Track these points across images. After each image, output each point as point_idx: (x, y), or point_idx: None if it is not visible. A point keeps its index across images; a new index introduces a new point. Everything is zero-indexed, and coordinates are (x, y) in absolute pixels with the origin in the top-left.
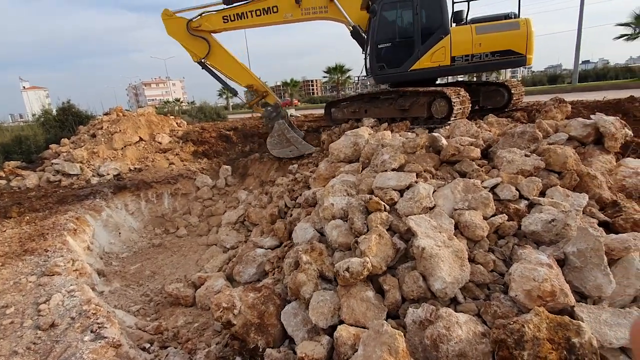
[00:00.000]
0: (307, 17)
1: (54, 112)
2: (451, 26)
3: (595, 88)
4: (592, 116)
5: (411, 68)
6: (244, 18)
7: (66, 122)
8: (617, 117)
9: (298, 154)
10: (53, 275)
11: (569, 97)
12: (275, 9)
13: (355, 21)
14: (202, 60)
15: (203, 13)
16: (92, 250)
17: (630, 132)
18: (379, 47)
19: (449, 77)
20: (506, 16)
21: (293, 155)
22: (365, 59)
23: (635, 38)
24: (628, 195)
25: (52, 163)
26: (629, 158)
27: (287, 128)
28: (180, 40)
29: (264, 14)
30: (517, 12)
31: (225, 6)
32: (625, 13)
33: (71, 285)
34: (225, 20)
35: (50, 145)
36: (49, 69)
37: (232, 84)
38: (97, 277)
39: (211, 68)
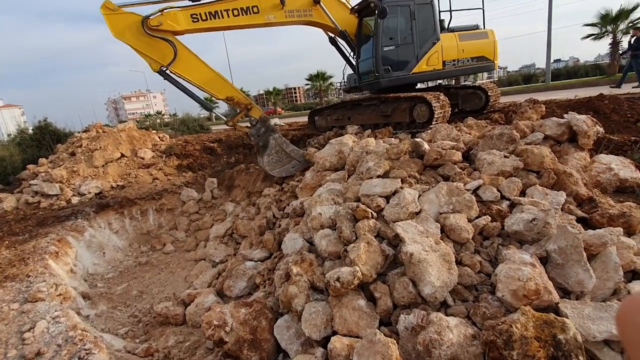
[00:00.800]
0: (290, 20)
1: (31, 131)
2: None
3: (568, 86)
4: (565, 115)
5: (413, 71)
6: (218, 17)
7: (43, 141)
8: (589, 115)
9: (302, 168)
10: (36, 301)
11: (543, 97)
12: (255, 9)
13: (342, 26)
14: (164, 69)
15: (165, 9)
16: (75, 273)
17: (601, 129)
18: (384, 49)
19: (429, 82)
20: (475, 27)
21: (296, 170)
22: (357, 64)
23: (601, 37)
24: (603, 190)
25: (30, 184)
26: (601, 154)
27: (285, 141)
28: (133, 43)
29: (242, 14)
30: (480, 24)
31: (191, 2)
32: (591, 13)
33: (56, 311)
34: (195, 20)
35: (27, 166)
36: (22, 86)
37: (203, 95)
38: (82, 301)
39: (177, 78)
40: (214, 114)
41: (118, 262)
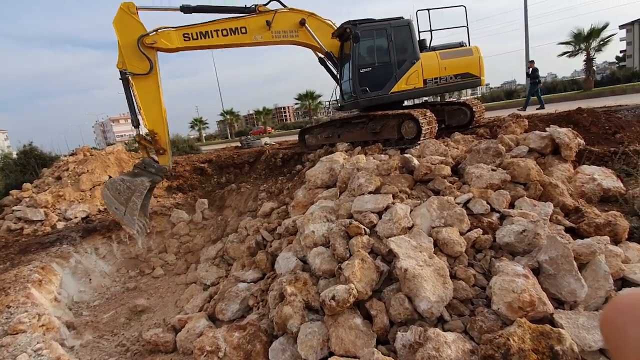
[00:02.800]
0: (277, 41)
1: (15, 156)
2: None
3: (547, 101)
4: (547, 128)
5: (391, 91)
6: (209, 37)
7: (28, 165)
8: (569, 128)
9: (118, 218)
10: (17, 333)
11: (525, 112)
12: (243, 30)
13: (328, 47)
14: (126, 73)
15: (159, 28)
16: (59, 302)
17: (582, 141)
18: (361, 72)
19: (416, 99)
20: (459, 44)
21: (114, 214)
22: (341, 85)
23: (576, 54)
24: (588, 200)
25: (13, 210)
26: (584, 165)
27: (142, 193)
28: (122, 42)
29: (231, 34)
30: (466, 41)
31: (186, 24)
32: (565, 32)
33: (38, 343)
34: (187, 38)
35: (10, 191)
36: (5, 111)
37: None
38: (66, 331)
39: (131, 88)
40: (205, 133)
41: (105, 289)
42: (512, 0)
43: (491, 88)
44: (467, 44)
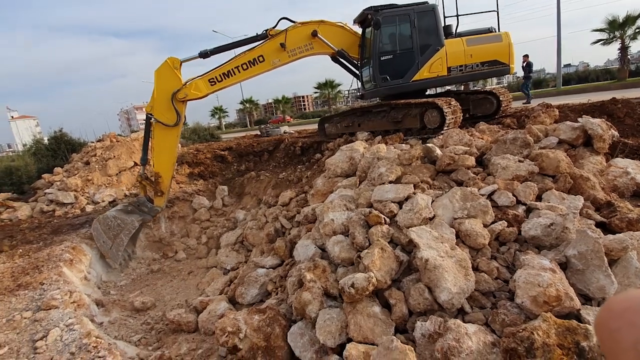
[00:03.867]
0: (294, 58)
1: (46, 141)
2: None
3: (579, 91)
4: (579, 119)
5: (413, 79)
6: (231, 75)
7: (58, 150)
8: (603, 119)
9: (102, 250)
10: (50, 309)
11: (555, 101)
12: (261, 59)
13: (338, 46)
14: (151, 117)
15: (187, 82)
16: (89, 280)
17: (616, 133)
18: (382, 59)
19: (438, 88)
20: (488, 30)
21: (100, 248)
22: (361, 73)
23: (610, 42)
24: (620, 194)
25: (45, 193)
26: (617, 158)
27: (130, 231)
28: (160, 97)
29: (250, 66)
30: (495, 27)
31: (210, 70)
32: (598, 19)
33: (69, 318)
34: (212, 83)
35: (42, 175)
36: (36, 98)
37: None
38: (95, 308)
39: (152, 130)
40: (224, 121)
41: (131, 270)
42: None
43: (518, 77)
44: (497, 30)
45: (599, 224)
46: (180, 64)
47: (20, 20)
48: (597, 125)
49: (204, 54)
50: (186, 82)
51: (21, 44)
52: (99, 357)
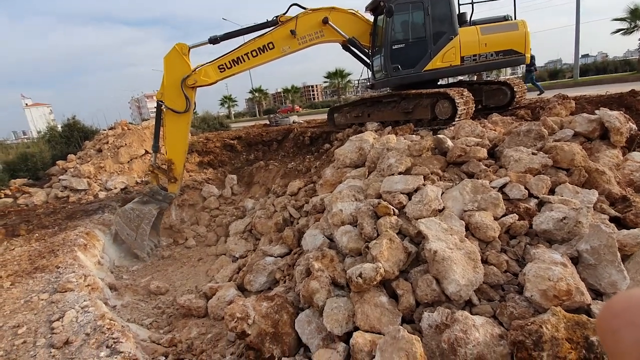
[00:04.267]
0: (304, 46)
1: (60, 129)
2: None
3: (597, 82)
4: (596, 111)
5: (425, 68)
6: (241, 62)
7: (72, 137)
8: (621, 112)
9: (128, 243)
10: (65, 291)
11: (572, 93)
12: (271, 45)
13: (349, 34)
14: (162, 104)
15: (197, 68)
16: (102, 265)
17: (634, 126)
18: (393, 48)
19: (450, 78)
20: (504, 18)
21: (125, 240)
22: (372, 62)
23: (631, 32)
24: (637, 189)
25: (60, 179)
26: (635, 152)
27: (150, 220)
28: (169, 84)
29: (260, 53)
30: (512, 15)
31: (219, 56)
32: (620, 8)
33: (84, 300)
34: (222, 69)
35: (56, 162)
36: (49, 86)
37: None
38: (109, 292)
39: (163, 117)
40: (234, 110)
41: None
42: None
43: None
44: (513, 18)
45: (613, 219)
46: (189, 50)
47: (32, 7)
48: (615, 117)
49: (214, 40)
50: (195, 69)
51: (34, 33)
52: (113, 338)
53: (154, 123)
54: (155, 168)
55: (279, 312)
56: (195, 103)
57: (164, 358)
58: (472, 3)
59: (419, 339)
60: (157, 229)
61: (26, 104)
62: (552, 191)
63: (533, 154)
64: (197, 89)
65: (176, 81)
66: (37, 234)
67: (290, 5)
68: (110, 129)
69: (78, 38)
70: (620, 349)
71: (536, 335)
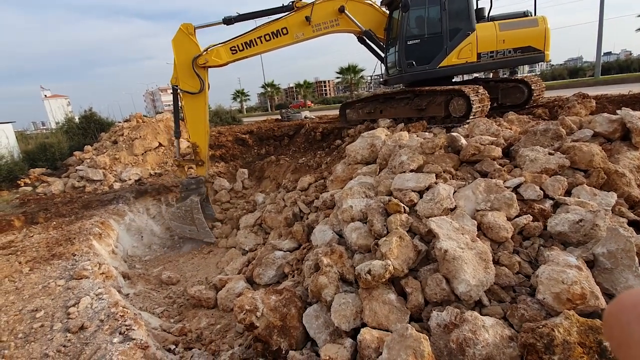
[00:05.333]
0: (318, 34)
1: (77, 120)
2: None
3: (620, 81)
4: (618, 111)
5: (440, 65)
6: (253, 45)
7: (89, 129)
8: None
9: (195, 237)
10: (81, 278)
11: (592, 92)
12: (285, 31)
13: (365, 26)
14: (177, 88)
15: (208, 47)
16: (116, 254)
17: None
18: (408, 44)
19: (465, 75)
20: (524, 14)
21: (190, 236)
22: (386, 57)
23: None
24: None
25: (77, 169)
26: None
27: (198, 208)
28: (180, 66)
29: (273, 38)
30: (532, 11)
31: (232, 38)
32: None
33: (99, 288)
34: (234, 51)
35: (74, 152)
36: (66, 78)
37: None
38: (122, 280)
39: (181, 102)
40: (246, 105)
41: (156, 246)
42: None
43: (552, 65)
44: (533, 14)
45: (632, 223)
46: (195, 30)
47: (50, 1)
48: (638, 118)
49: (228, 21)
50: (207, 48)
51: (52, 25)
52: (126, 325)
53: (168, 116)
54: (181, 160)
55: (287, 306)
56: (209, 85)
57: (174, 346)
58: None
59: (427, 337)
60: (211, 212)
61: (45, 95)
62: (568, 193)
63: (550, 154)
64: (210, 72)
65: (187, 61)
66: (54, 222)
67: None
68: (126, 121)
69: (96, 31)
70: (629, 343)
71: (548, 338)
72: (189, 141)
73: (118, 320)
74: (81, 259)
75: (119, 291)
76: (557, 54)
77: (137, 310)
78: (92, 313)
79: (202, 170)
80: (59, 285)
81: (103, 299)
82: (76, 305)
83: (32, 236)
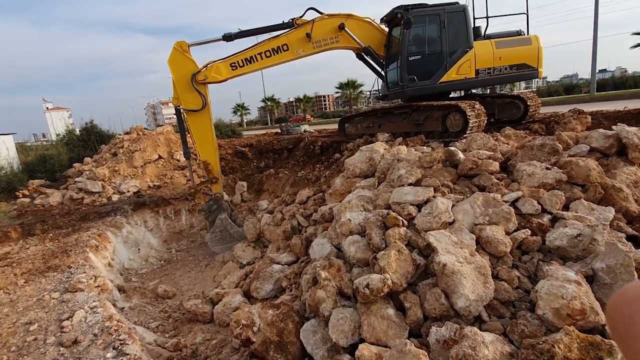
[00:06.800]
0: (318, 50)
1: (78, 132)
2: None
3: (615, 97)
4: (613, 127)
5: (440, 80)
6: (254, 62)
7: (89, 141)
8: None
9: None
10: (76, 291)
11: (588, 108)
12: (285, 47)
13: (365, 42)
14: (180, 108)
15: (208, 64)
16: (112, 267)
17: None
18: (410, 60)
19: (464, 90)
20: (517, 33)
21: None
22: (386, 73)
23: None
24: None
25: (76, 181)
26: None
27: (230, 223)
28: (180, 84)
29: (274, 54)
30: (524, 30)
31: (232, 54)
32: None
33: (94, 301)
34: (234, 68)
35: (73, 164)
36: (69, 91)
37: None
38: (117, 293)
39: (185, 122)
40: (246, 119)
41: (153, 259)
42: None
43: (548, 82)
44: (526, 33)
45: (630, 238)
46: (189, 47)
47: (56, 15)
48: (633, 134)
49: (228, 37)
50: (207, 64)
51: (57, 39)
52: (120, 340)
53: (168, 129)
54: (194, 186)
55: (285, 321)
56: (210, 101)
57: None
58: (487, 17)
59: (426, 353)
60: (236, 221)
61: (47, 108)
62: (566, 207)
63: (547, 168)
64: (210, 88)
65: (186, 79)
66: (51, 234)
67: (307, 9)
68: (126, 133)
69: (100, 45)
70: (632, 335)
71: (548, 355)
72: (202, 161)
73: (112, 335)
74: (77, 271)
75: (114, 305)
76: (553, 71)
77: (131, 325)
78: (86, 327)
79: (217, 187)
80: (54, 298)
81: (97, 313)
82: (70, 319)
83: (28, 248)
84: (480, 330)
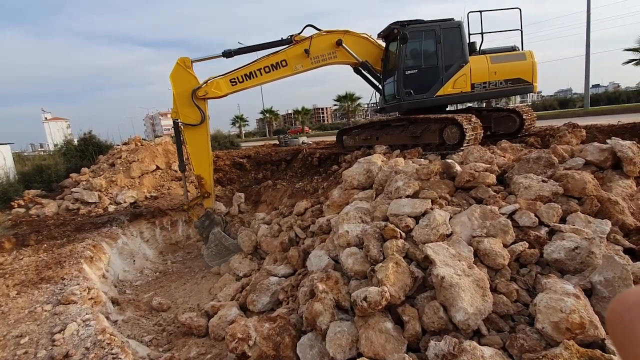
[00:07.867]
0: (316, 65)
1: (76, 142)
2: None
3: (608, 112)
4: (608, 140)
5: (437, 94)
6: (253, 77)
7: (87, 151)
8: (634, 142)
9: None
10: (69, 304)
11: (582, 122)
12: (284, 63)
13: (362, 57)
14: (178, 121)
15: (208, 80)
16: (107, 278)
17: None
18: (406, 73)
19: (460, 104)
20: (512, 48)
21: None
22: (383, 86)
23: None
24: None
25: (72, 191)
26: None
27: (224, 236)
28: (180, 99)
29: (273, 70)
30: (519, 45)
31: (231, 70)
32: (633, 38)
33: (86, 314)
34: (234, 83)
35: (70, 174)
36: (68, 101)
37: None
38: (111, 306)
39: (182, 135)
40: (244, 130)
41: (148, 270)
42: (571, 2)
43: (543, 96)
44: (521, 48)
45: (627, 250)
46: (192, 63)
47: (57, 27)
48: (628, 147)
49: (228, 54)
50: (207, 80)
51: (58, 51)
52: (112, 354)
53: (167, 140)
54: (187, 203)
55: (281, 335)
56: (208, 116)
57: None
58: (482, 33)
59: None
60: (230, 234)
61: (45, 118)
62: (563, 220)
63: (543, 181)
64: (209, 102)
65: (186, 94)
66: (45, 245)
67: (305, 26)
68: (124, 144)
69: (99, 57)
70: (632, 341)
71: None
72: (195, 175)
73: (104, 349)
74: (70, 283)
75: (107, 317)
76: (547, 86)
77: (124, 338)
78: (78, 340)
79: (209, 202)
80: (46, 311)
81: (90, 326)
82: (62, 332)
83: (21, 259)
84: (480, 344)
